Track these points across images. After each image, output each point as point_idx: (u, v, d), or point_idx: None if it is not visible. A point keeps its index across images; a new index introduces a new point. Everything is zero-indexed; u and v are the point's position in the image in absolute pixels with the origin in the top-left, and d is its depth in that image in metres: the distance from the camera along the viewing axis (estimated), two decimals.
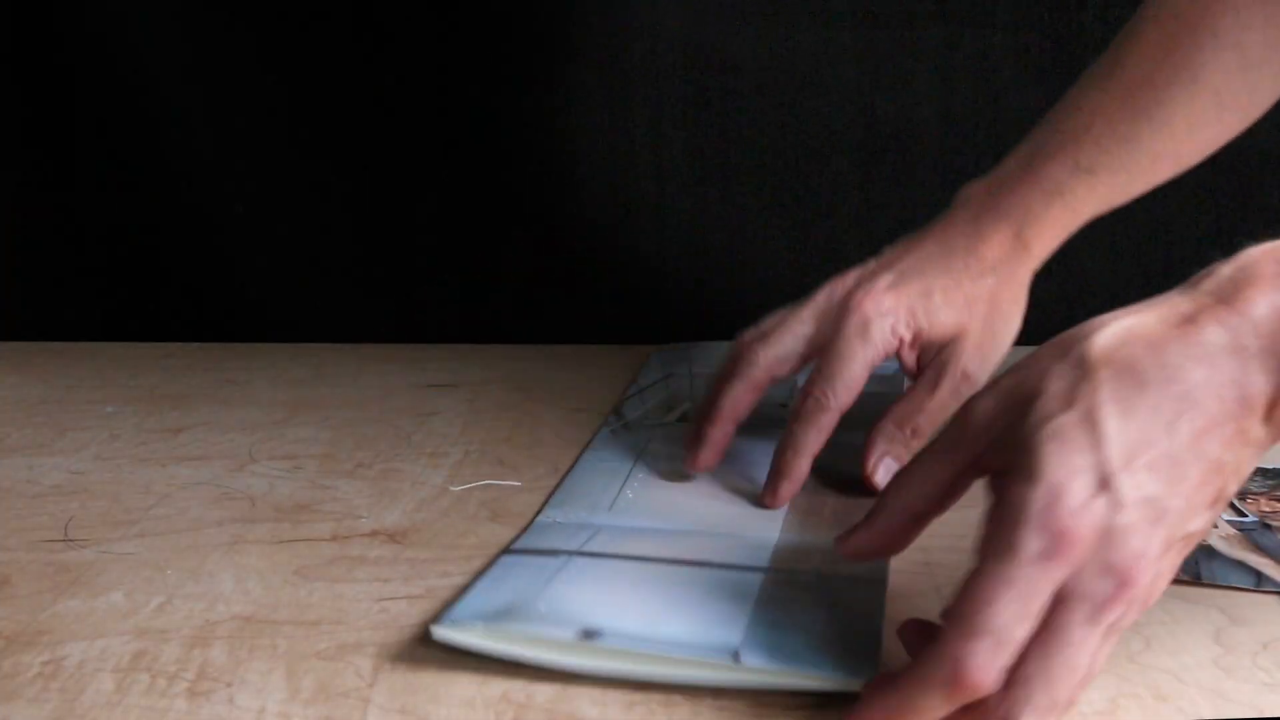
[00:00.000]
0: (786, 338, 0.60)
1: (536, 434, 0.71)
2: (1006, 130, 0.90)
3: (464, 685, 0.43)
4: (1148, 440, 0.38)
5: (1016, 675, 0.37)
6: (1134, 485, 0.37)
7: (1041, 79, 0.90)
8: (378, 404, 0.77)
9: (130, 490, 0.62)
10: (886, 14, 0.92)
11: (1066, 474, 0.37)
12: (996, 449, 0.40)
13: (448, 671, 0.44)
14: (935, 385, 0.60)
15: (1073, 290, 0.89)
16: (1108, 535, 0.37)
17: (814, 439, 0.58)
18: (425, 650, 0.46)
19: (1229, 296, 0.39)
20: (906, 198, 0.93)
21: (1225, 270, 0.40)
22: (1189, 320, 0.39)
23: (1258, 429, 0.39)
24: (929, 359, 0.61)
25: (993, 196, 0.62)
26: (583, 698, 0.43)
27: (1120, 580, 0.37)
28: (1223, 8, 0.61)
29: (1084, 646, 0.37)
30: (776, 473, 0.58)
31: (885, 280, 0.60)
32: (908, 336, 0.60)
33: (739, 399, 0.60)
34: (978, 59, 0.91)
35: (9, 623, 0.48)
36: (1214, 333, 0.39)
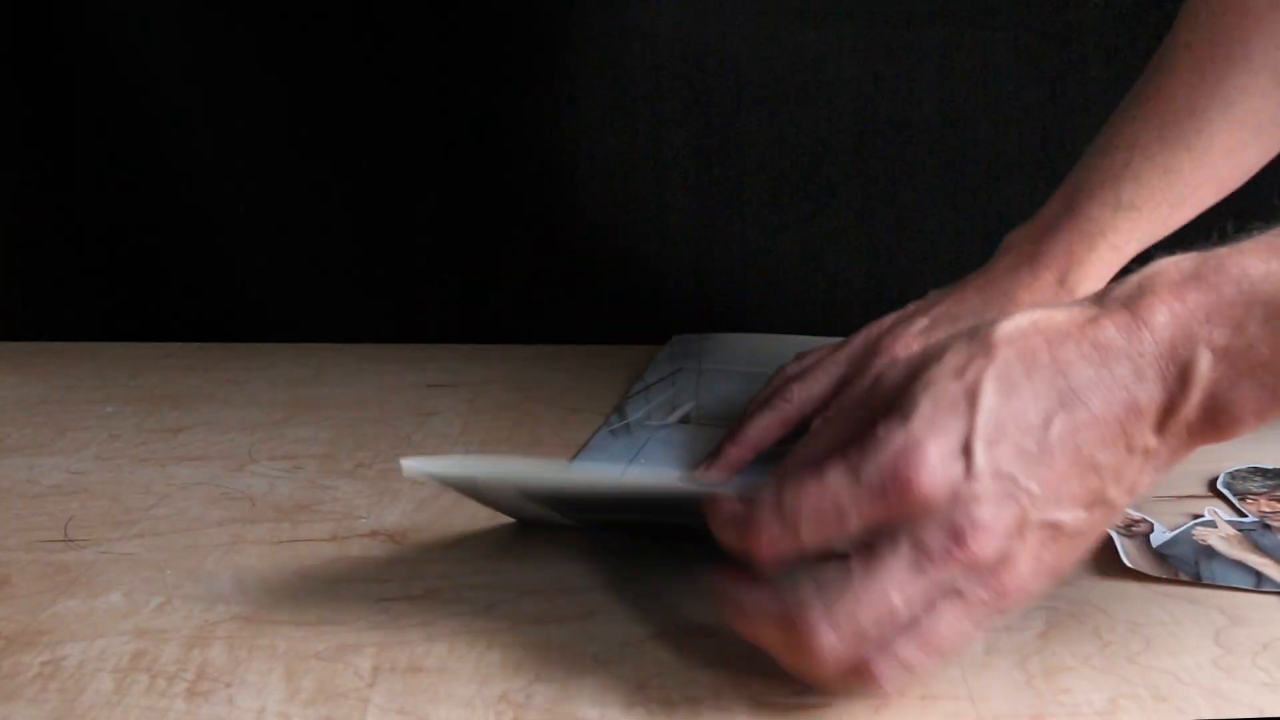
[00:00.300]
0: (821, 377, 0.62)
1: (536, 434, 0.71)
2: (1007, 129, 0.90)
3: (464, 685, 0.43)
4: (1019, 422, 0.39)
5: (824, 582, 0.39)
6: (991, 459, 0.38)
7: (1041, 79, 0.90)
8: (378, 404, 0.77)
9: (130, 490, 0.62)
10: (886, 13, 0.92)
11: (931, 432, 0.38)
12: (886, 401, 0.41)
13: (448, 671, 0.44)
14: None
15: None
16: (954, 498, 0.38)
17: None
18: (425, 650, 0.46)
19: (1132, 303, 0.40)
20: (906, 197, 0.93)
21: (1134, 278, 0.41)
22: (1091, 321, 0.40)
23: (1147, 437, 0.40)
24: None
25: (1034, 244, 0.62)
26: (583, 698, 0.43)
27: (955, 539, 0.38)
28: (1255, 30, 0.60)
29: (896, 585, 0.38)
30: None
31: (919, 325, 0.61)
32: None
33: (767, 430, 0.61)
34: (978, 59, 0.91)
35: (9, 623, 0.48)
36: (1111, 335, 0.40)
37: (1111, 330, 0.40)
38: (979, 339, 0.41)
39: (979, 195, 0.91)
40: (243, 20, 0.93)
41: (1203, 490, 0.60)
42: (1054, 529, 0.40)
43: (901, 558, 0.38)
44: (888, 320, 0.63)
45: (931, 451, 0.38)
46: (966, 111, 0.92)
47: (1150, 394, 0.39)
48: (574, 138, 0.94)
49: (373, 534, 0.57)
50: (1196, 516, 0.57)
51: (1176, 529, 0.55)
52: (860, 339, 0.63)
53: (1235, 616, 0.48)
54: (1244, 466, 0.63)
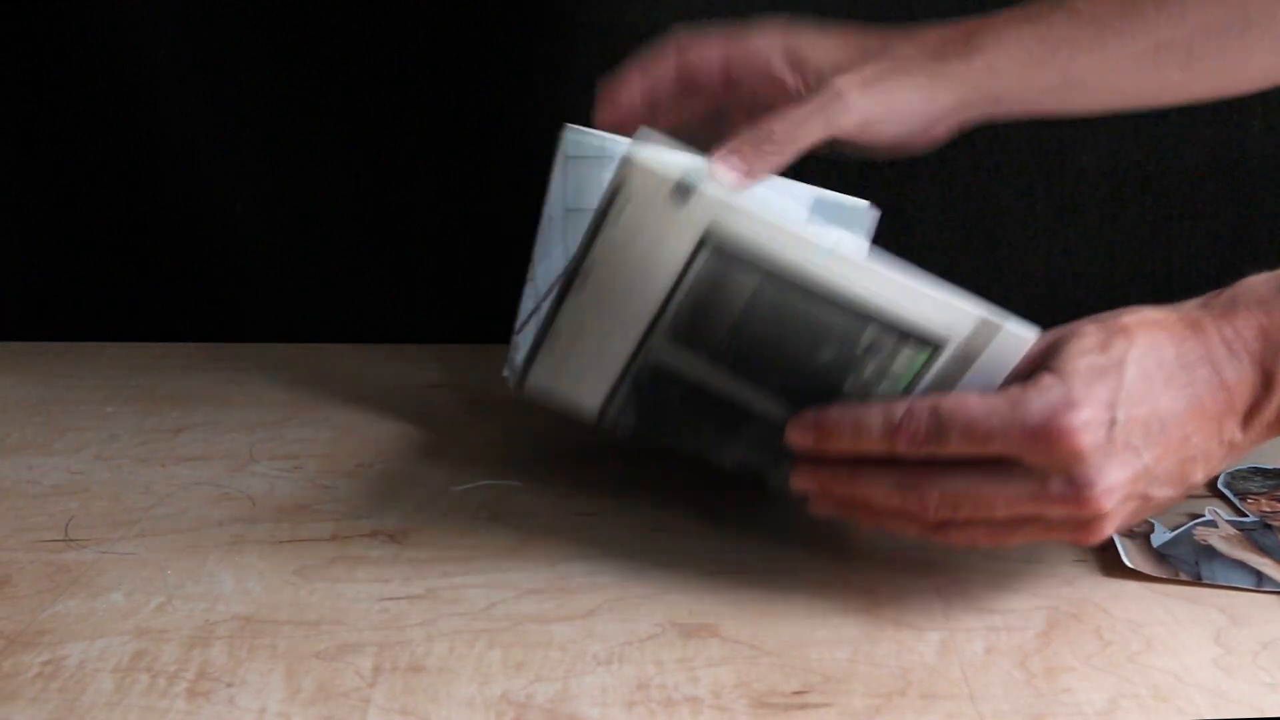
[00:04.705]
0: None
1: (536, 434, 0.70)
2: (1006, 129, 0.90)
3: (464, 685, 0.43)
4: (1149, 402, 0.45)
5: (946, 481, 0.46)
6: (1128, 431, 0.44)
7: None
8: (378, 404, 0.77)
9: (130, 490, 0.62)
10: (884, 13, 0.91)
11: (1087, 394, 0.44)
12: (1032, 365, 0.47)
13: (448, 671, 0.44)
14: (806, 99, 0.57)
15: (1071, 292, 0.89)
16: (1089, 455, 0.43)
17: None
18: (425, 650, 0.46)
19: (1229, 314, 0.47)
20: (905, 194, 0.93)
21: (1228, 292, 0.48)
22: (1198, 325, 0.47)
23: (1235, 431, 0.46)
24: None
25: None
26: (583, 698, 0.43)
27: (1076, 491, 0.44)
28: None
29: (1005, 500, 0.45)
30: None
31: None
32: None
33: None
34: None
35: (9, 623, 0.48)
36: (1216, 340, 0.46)
37: (1215, 336, 0.46)
38: (1110, 323, 0.46)
39: (977, 198, 0.91)
40: (242, 20, 0.93)
41: (1203, 490, 0.60)
42: (1145, 500, 0.46)
43: (1022, 485, 0.45)
44: None
45: (1086, 411, 0.43)
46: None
47: (1243, 395, 0.46)
48: None
49: (373, 534, 0.57)
50: (1196, 516, 0.57)
51: (1176, 529, 0.55)
52: None
53: (1235, 616, 0.48)
54: (1244, 466, 0.63)
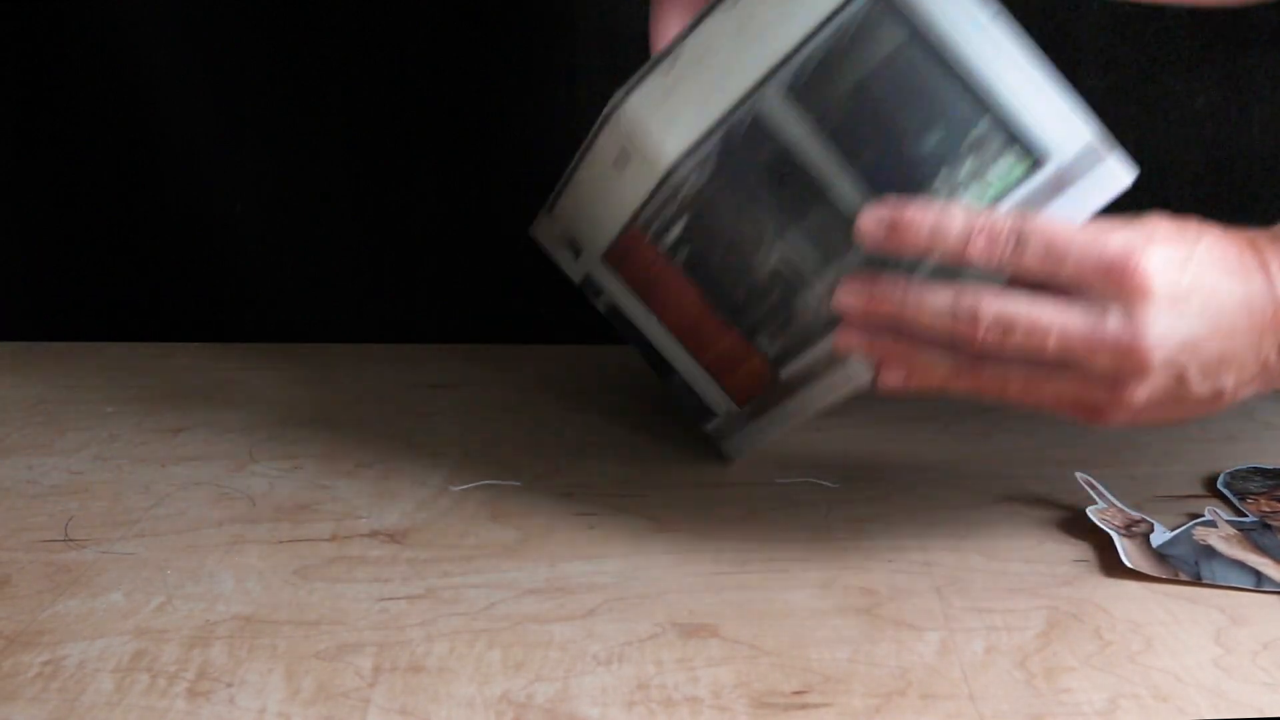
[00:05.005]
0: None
1: (536, 434, 0.70)
2: None
3: (464, 685, 0.43)
4: (1214, 282, 0.47)
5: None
6: (1189, 294, 0.46)
7: None
8: (378, 404, 0.77)
9: (130, 490, 0.62)
10: None
11: (1166, 247, 0.46)
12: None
13: (448, 671, 0.44)
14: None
15: None
16: (1159, 297, 0.45)
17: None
18: (425, 650, 0.46)
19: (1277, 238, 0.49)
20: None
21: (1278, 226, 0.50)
22: (1255, 243, 0.49)
23: (1271, 350, 0.48)
24: None
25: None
26: (583, 698, 0.43)
27: (1131, 330, 0.45)
28: None
29: (1060, 328, 0.46)
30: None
31: None
32: None
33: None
34: None
35: (9, 623, 0.48)
36: (1272, 257, 0.48)
37: (1272, 255, 0.48)
38: (1182, 222, 0.48)
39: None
40: (242, 20, 0.93)
41: (1202, 490, 0.60)
42: (1179, 384, 0.47)
43: (1081, 316, 0.46)
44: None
45: (1164, 254, 0.46)
46: None
47: None
48: (575, 138, 0.94)
49: (373, 534, 0.57)
50: (1196, 516, 0.57)
51: (1176, 529, 0.55)
52: None
53: (1235, 616, 0.48)
54: (1244, 466, 0.63)
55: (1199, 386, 0.47)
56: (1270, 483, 0.61)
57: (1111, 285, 0.46)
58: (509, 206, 0.96)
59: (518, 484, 0.63)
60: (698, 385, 0.63)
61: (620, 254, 0.61)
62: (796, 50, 0.50)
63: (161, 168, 0.94)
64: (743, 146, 0.52)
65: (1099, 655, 0.46)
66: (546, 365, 0.86)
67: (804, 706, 0.42)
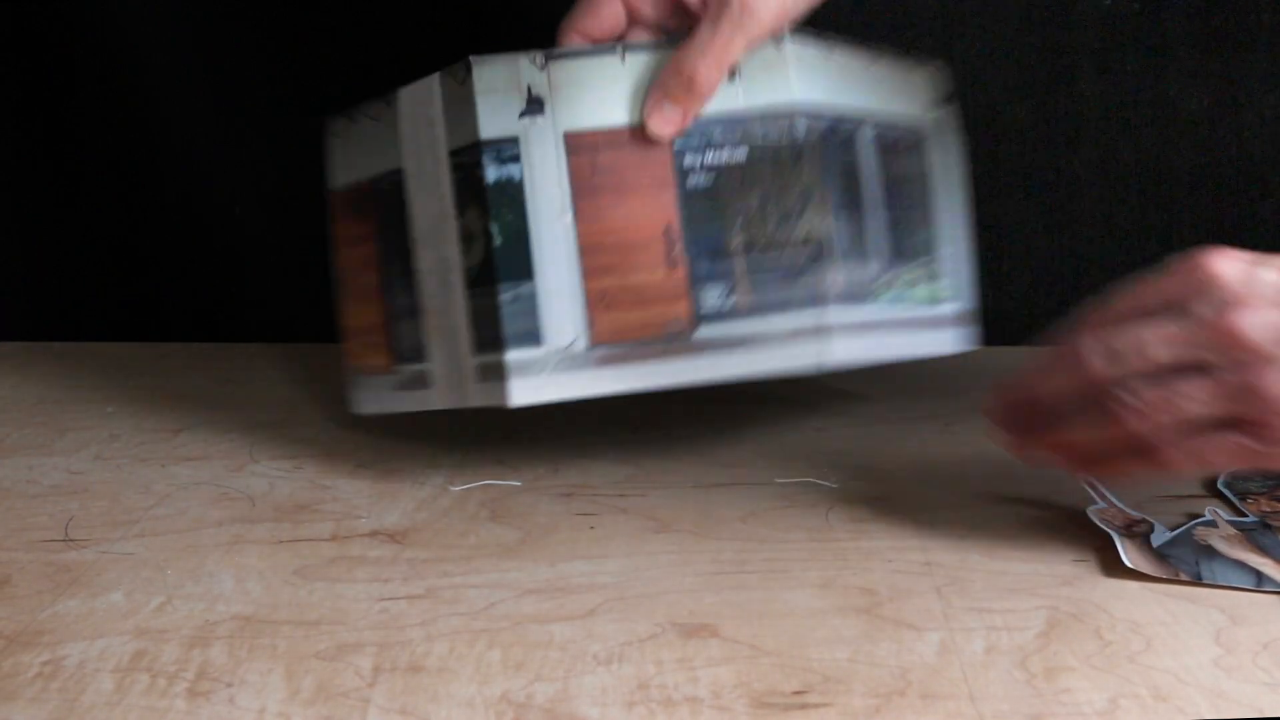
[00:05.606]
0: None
1: (536, 434, 0.70)
2: (995, 143, 0.90)
3: (464, 685, 0.43)
4: None
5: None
6: None
7: (1031, 91, 0.90)
8: None
9: (130, 490, 0.62)
10: (881, 27, 0.91)
11: (1251, 297, 0.46)
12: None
13: (447, 671, 0.44)
14: (716, 22, 0.56)
15: (1069, 293, 0.89)
16: (1258, 353, 0.46)
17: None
18: (425, 650, 0.46)
19: None
20: None
21: None
22: None
23: None
24: None
25: None
26: (582, 698, 0.43)
27: (1244, 381, 0.46)
28: None
29: (1186, 393, 0.47)
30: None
31: None
32: None
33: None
34: (974, 66, 0.91)
35: (9, 623, 0.48)
36: None
37: None
38: (1253, 257, 0.48)
39: (975, 197, 0.91)
40: (242, 20, 0.93)
41: (1203, 490, 0.60)
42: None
43: (1173, 319, 0.47)
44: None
45: (1221, 256, 0.47)
46: (962, 120, 0.92)
47: None
48: None
49: (373, 534, 0.57)
50: (1196, 516, 0.57)
51: (1176, 529, 0.55)
52: None
53: (1236, 616, 0.48)
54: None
55: None
56: (1271, 483, 0.61)
57: (1190, 290, 0.47)
58: None
59: (518, 484, 0.63)
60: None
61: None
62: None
63: (161, 168, 0.94)
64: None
65: (1099, 655, 0.46)
66: None
67: (804, 706, 0.42)
